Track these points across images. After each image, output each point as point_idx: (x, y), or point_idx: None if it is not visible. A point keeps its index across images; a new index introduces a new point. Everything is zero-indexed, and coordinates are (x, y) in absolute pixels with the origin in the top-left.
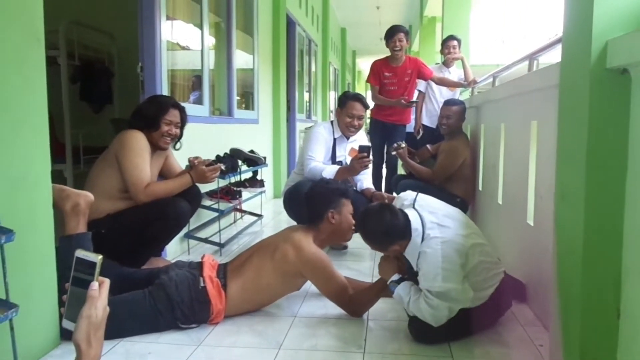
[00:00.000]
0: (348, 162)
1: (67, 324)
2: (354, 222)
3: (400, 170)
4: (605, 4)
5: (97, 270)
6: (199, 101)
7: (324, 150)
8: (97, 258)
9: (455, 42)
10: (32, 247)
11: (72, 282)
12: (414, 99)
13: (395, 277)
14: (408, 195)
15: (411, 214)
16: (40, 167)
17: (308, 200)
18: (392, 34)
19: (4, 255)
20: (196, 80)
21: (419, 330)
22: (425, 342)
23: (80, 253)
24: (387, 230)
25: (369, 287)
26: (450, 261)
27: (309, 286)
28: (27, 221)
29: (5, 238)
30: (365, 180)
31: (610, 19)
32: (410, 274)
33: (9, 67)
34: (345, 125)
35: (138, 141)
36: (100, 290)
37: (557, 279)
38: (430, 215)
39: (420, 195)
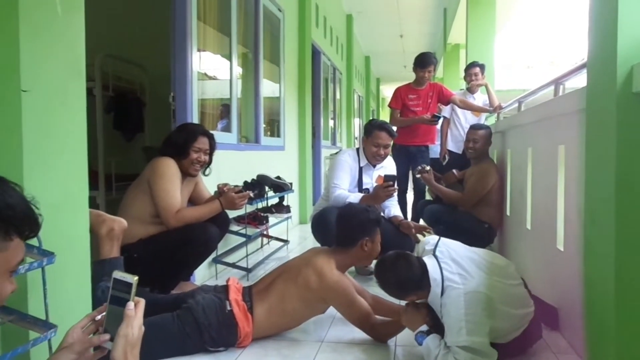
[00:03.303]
0: None
1: (106, 343)
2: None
3: (427, 196)
4: (629, 30)
5: (133, 290)
6: (227, 129)
7: (349, 178)
8: (133, 279)
9: (477, 69)
10: (69, 269)
11: (110, 300)
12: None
13: (424, 327)
14: (430, 239)
15: (430, 263)
16: (79, 192)
17: (342, 222)
18: (423, 64)
19: (45, 277)
20: (224, 109)
21: None
22: None
23: (117, 274)
24: (402, 282)
25: (390, 322)
26: (474, 313)
27: (336, 311)
28: (66, 244)
29: (46, 260)
30: (393, 207)
31: (635, 44)
32: (437, 326)
33: (54, 98)
34: (371, 154)
35: (169, 168)
36: (136, 310)
37: (586, 306)
38: (451, 264)
39: (443, 240)
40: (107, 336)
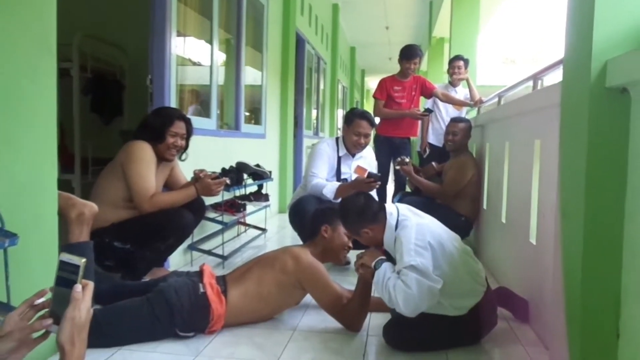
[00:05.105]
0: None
1: (52, 327)
2: (348, 243)
3: (408, 188)
4: (605, 25)
5: (81, 272)
6: (205, 114)
7: (327, 167)
8: (81, 261)
9: (461, 62)
10: (35, 252)
11: (56, 282)
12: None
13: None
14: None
15: (388, 205)
16: (47, 173)
17: (305, 221)
18: (409, 56)
19: (7, 258)
20: (191, 95)
21: (394, 336)
22: (399, 348)
23: (64, 256)
24: (360, 210)
25: (355, 292)
26: (422, 239)
27: (309, 300)
28: (32, 226)
29: (9, 242)
30: None
31: (610, 39)
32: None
33: (21, 74)
34: (352, 143)
35: (144, 152)
36: (84, 293)
37: (563, 298)
38: (406, 210)
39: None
40: (49, 320)
